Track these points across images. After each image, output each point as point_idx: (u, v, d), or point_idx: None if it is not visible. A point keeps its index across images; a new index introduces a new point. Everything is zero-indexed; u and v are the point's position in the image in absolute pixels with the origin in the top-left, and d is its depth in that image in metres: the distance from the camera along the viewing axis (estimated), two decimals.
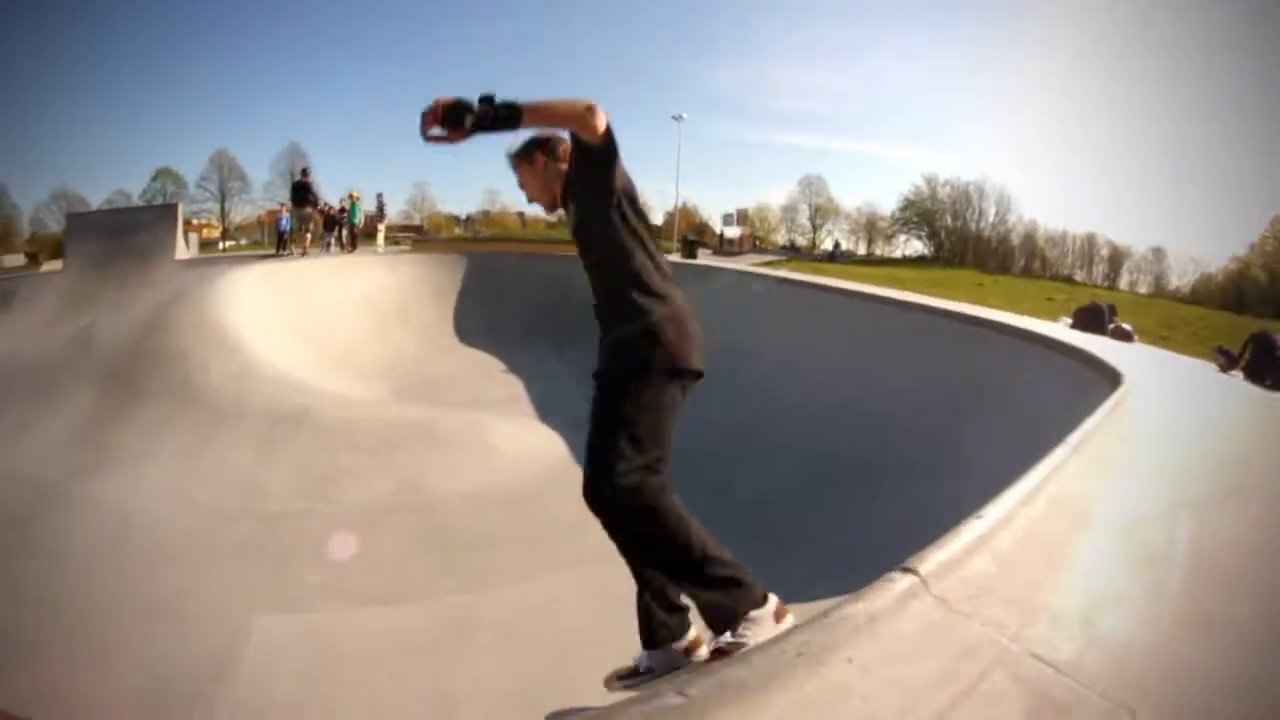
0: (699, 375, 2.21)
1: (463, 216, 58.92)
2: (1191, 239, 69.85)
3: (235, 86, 71.77)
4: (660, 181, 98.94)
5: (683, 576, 2.16)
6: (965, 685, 1.62)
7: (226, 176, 52.23)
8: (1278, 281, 41.57)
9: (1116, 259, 50.74)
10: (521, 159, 2.40)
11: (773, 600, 2.16)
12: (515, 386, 11.21)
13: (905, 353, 8.31)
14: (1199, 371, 8.04)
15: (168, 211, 16.50)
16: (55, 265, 18.97)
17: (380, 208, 19.55)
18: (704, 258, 21.50)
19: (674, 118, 36.95)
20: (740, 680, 1.58)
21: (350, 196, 18.02)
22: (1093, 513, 2.73)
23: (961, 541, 2.23)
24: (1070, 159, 78.53)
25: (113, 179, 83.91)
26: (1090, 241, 51.14)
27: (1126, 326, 10.70)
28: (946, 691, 1.60)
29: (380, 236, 19.05)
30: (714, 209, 61.18)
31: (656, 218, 48.30)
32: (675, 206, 35.93)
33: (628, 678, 2.35)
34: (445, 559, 5.27)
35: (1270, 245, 43.84)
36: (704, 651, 2.22)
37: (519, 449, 7.60)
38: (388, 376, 11.15)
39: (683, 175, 60.22)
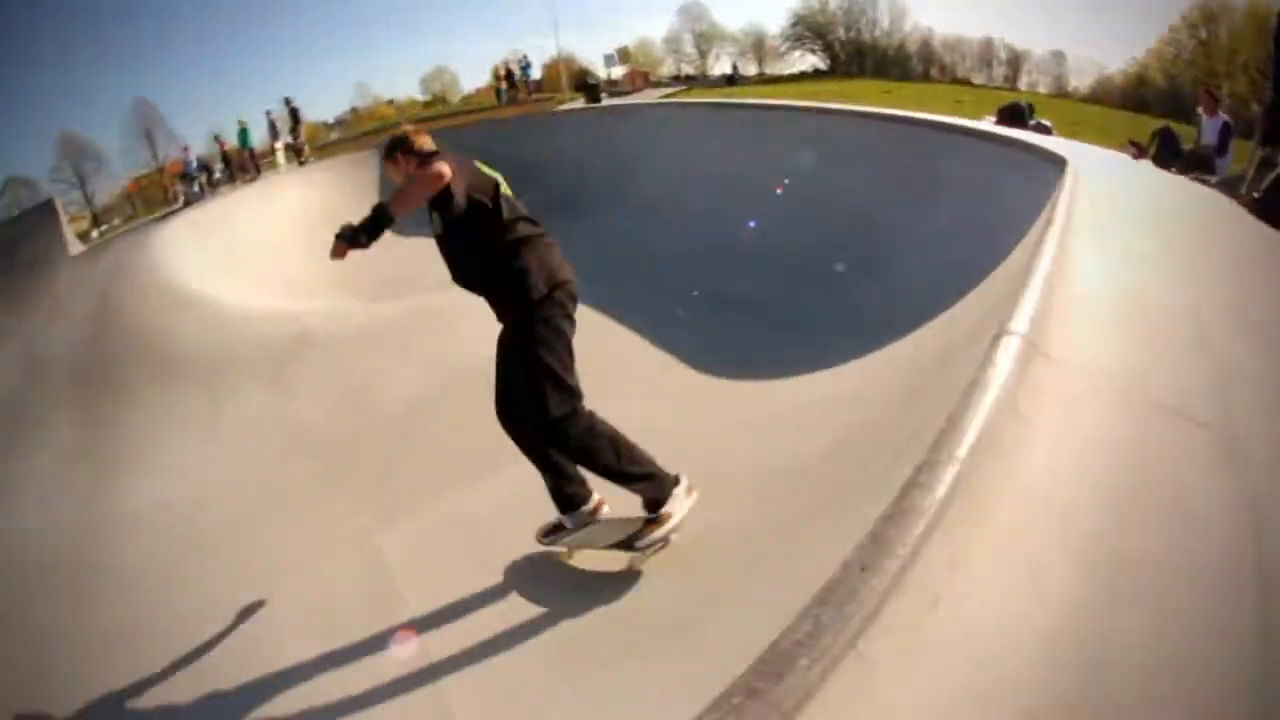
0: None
1: (331, 120, 55.13)
2: (1092, 43, 69.94)
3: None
4: (535, 37, 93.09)
5: (617, 478, 2.90)
6: None
7: (79, 158, 47.41)
8: (1175, 85, 42.92)
9: (1015, 62, 51.39)
10: (386, 159, 3.16)
11: (684, 480, 3.01)
12: None
13: (854, 158, 8.49)
14: (1118, 158, 8.72)
15: (46, 211, 14.68)
16: None
17: (294, 113, 17.59)
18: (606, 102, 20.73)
19: None
20: None
21: (238, 124, 16.87)
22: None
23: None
24: None
25: None
26: (988, 45, 51.62)
27: (1046, 122, 11.81)
28: None
29: (280, 155, 17.40)
30: (593, 53, 58.68)
31: (536, 71, 45.89)
32: (558, 56, 34.21)
33: (552, 533, 3.26)
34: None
35: (1168, 52, 44.90)
36: (606, 510, 3.14)
37: None
38: (345, 285, 10.24)
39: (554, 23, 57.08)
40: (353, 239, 2.58)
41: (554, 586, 3.40)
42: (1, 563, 5.15)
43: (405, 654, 3.09)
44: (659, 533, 2.87)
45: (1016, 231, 4.42)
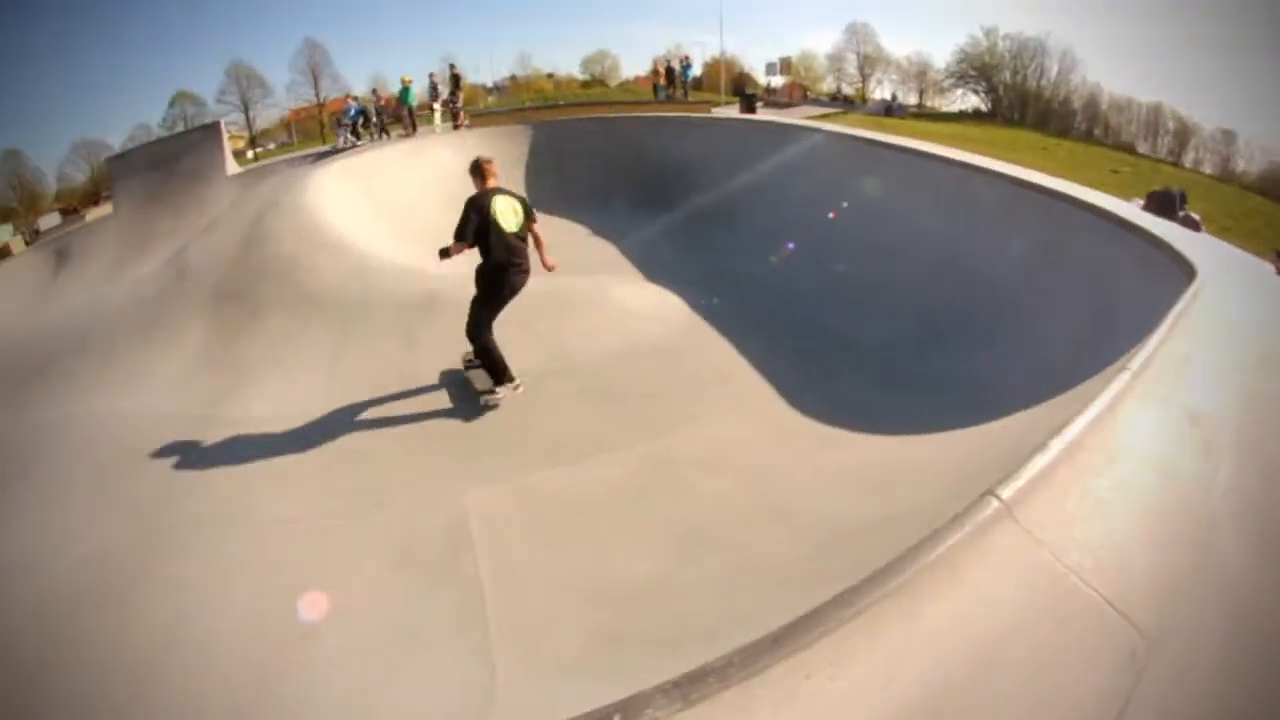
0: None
1: (490, 85, 57.66)
2: (1264, 127, 63.51)
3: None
4: (699, 33, 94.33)
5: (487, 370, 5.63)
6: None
7: (246, 86, 51.30)
8: None
9: (1183, 134, 48.05)
10: (470, 170, 5.55)
11: (517, 380, 5.67)
12: (610, 249, 11.15)
13: (991, 222, 8.26)
14: (1260, 272, 7.73)
15: (212, 130, 15.86)
16: (100, 213, 18.56)
17: (455, 79, 18.34)
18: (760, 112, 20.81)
19: None
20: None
21: (401, 81, 17.81)
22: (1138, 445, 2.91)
23: (1038, 468, 2.57)
24: (1143, 25, 71.80)
25: (129, 115, 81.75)
26: (1157, 112, 48.47)
27: (1195, 216, 11.26)
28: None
29: (437, 115, 18.36)
30: (754, 59, 58.19)
31: (696, 69, 45.69)
32: (720, 56, 34.43)
33: (468, 362, 6.18)
34: (619, 413, 5.54)
35: None
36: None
37: (646, 307, 7.80)
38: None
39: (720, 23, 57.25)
40: (442, 255, 5.19)
41: (607, 574, 3.72)
42: (123, 440, 5.88)
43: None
44: (491, 399, 5.59)
45: (1124, 335, 4.33)
